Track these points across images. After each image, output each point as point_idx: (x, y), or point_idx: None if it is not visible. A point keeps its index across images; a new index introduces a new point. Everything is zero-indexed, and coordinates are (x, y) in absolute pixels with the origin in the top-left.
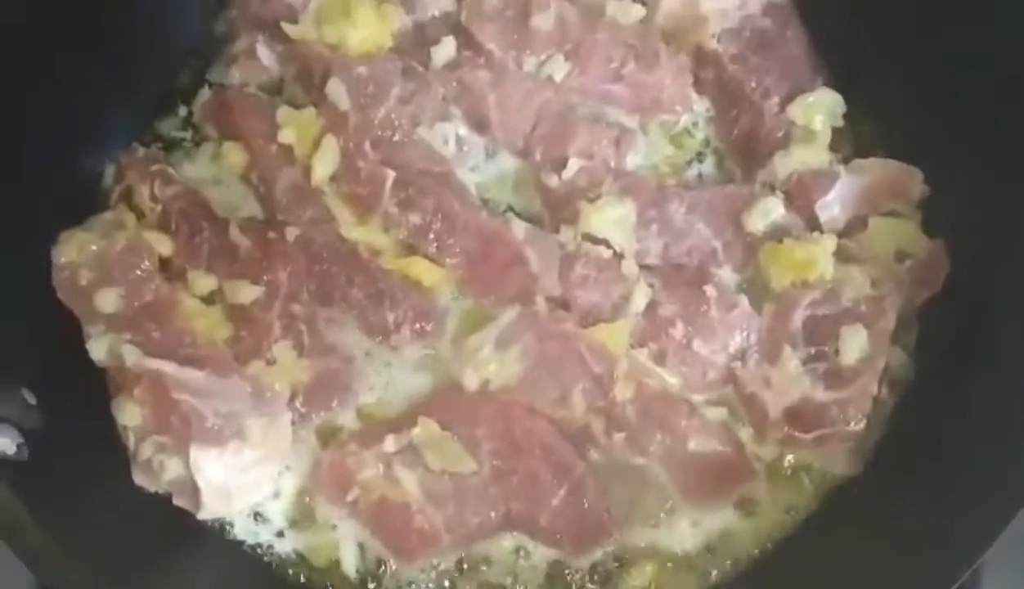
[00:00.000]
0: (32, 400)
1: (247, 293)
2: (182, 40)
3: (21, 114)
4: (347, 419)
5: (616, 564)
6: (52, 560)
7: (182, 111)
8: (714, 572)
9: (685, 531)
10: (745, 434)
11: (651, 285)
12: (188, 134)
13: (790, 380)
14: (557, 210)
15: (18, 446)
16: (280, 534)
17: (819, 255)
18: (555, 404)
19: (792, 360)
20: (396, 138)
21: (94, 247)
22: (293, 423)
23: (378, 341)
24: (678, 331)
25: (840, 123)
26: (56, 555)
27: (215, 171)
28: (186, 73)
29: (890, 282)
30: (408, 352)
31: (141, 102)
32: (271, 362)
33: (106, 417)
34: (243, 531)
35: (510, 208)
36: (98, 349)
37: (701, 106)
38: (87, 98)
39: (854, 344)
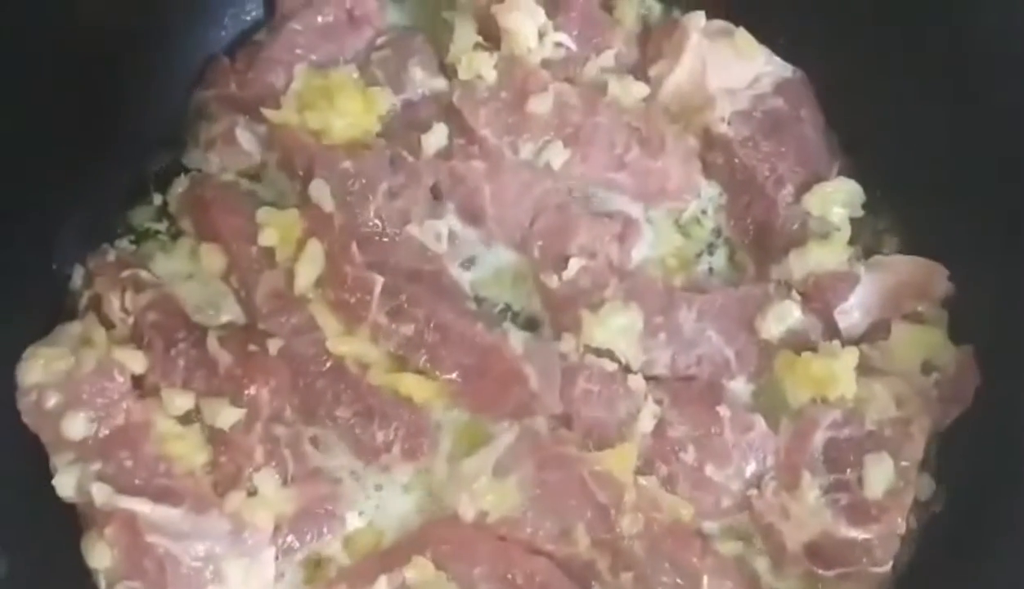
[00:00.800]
0: None
1: (226, 416)
2: (155, 121)
3: None
4: (335, 549)
5: None
6: None
7: (157, 200)
8: None
9: None
10: (762, 563)
11: (659, 401)
12: (163, 225)
13: (810, 512)
14: (558, 313)
15: None
16: None
17: (840, 373)
18: (557, 538)
19: (812, 489)
20: (384, 238)
21: (62, 366)
22: (276, 558)
23: (367, 462)
24: (689, 455)
25: (859, 213)
26: None
27: (192, 268)
28: (160, 157)
29: (917, 401)
30: (400, 472)
31: (112, 191)
32: (252, 492)
33: (76, 555)
34: None
35: (507, 307)
36: (66, 484)
37: (712, 190)
38: (53, 190)
39: (879, 476)
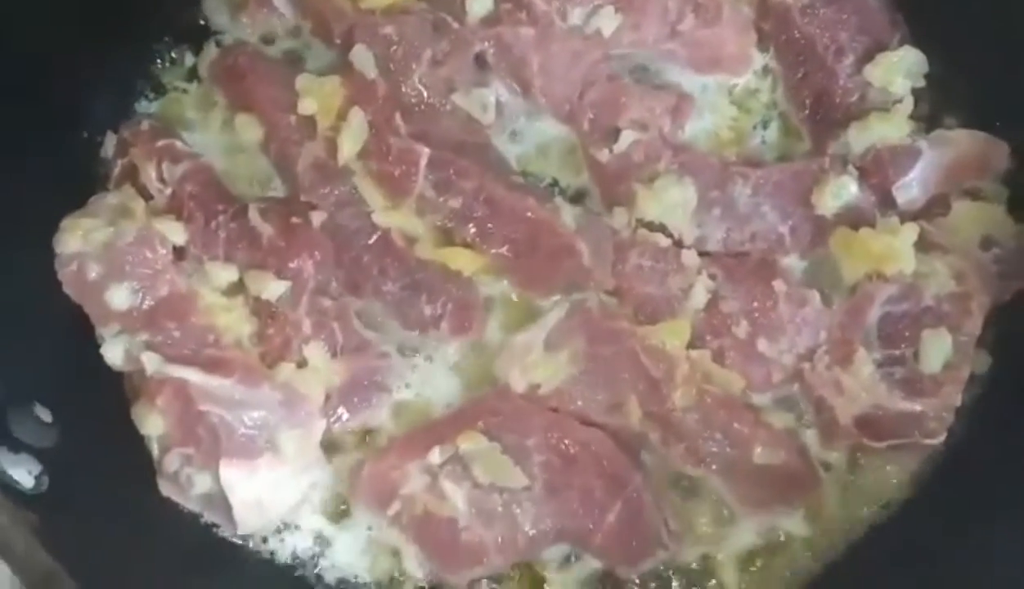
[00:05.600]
0: (47, 417)
1: (272, 289)
2: None
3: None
4: (383, 419)
5: (668, 571)
6: None
7: (188, 60)
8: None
9: (742, 539)
10: (810, 435)
11: (712, 276)
12: (194, 86)
13: (863, 386)
14: (609, 187)
15: (36, 478)
16: (317, 541)
17: (899, 249)
18: (609, 411)
19: (866, 364)
20: (428, 108)
21: (101, 237)
22: (327, 429)
23: (415, 335)
24: (742, 329)
25: (922, 84)
26: None
27: (228, 141)
28: (189, 18)
29: (976, 276)
30: (448, 346)
31: (142, 54)
32: (302, 364)
33: (128, 422)
34: (276, 544)
35: (555, 182)
36: (114, 354)
37: (767, 61)
38: (81, 55)
39: (937, 351)
